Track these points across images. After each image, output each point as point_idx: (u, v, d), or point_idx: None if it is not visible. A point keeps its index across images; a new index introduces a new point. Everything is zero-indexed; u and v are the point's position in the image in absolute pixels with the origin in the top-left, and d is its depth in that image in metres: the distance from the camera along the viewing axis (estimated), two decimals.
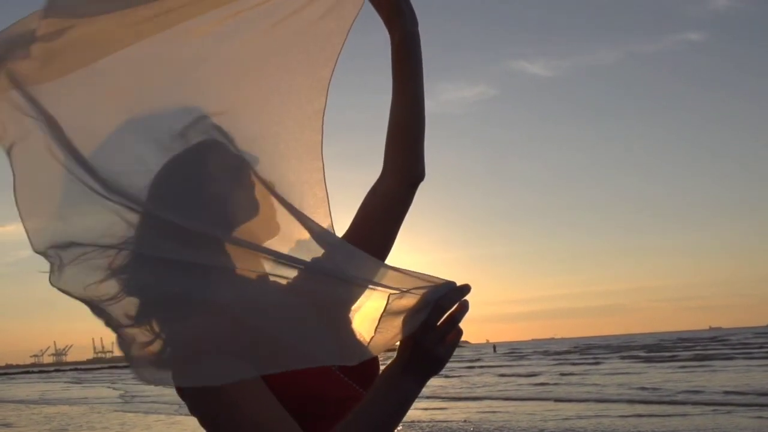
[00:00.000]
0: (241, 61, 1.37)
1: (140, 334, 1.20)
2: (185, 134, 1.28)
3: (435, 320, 1.12)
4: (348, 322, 1.18)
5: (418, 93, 1.54)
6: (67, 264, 1.20)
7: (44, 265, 1.22)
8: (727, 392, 18.84)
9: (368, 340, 1.15)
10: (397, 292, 1.10)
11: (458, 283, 1.13)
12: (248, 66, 1.37)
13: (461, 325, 1.15)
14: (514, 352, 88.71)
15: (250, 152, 1.31)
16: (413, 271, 1.11)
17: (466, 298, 1.12)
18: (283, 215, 1.26)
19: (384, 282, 1.11)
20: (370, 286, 1.13)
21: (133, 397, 30.95)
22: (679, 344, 70.45)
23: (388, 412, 1.18)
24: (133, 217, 1.20)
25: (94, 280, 1.21)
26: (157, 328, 1.20)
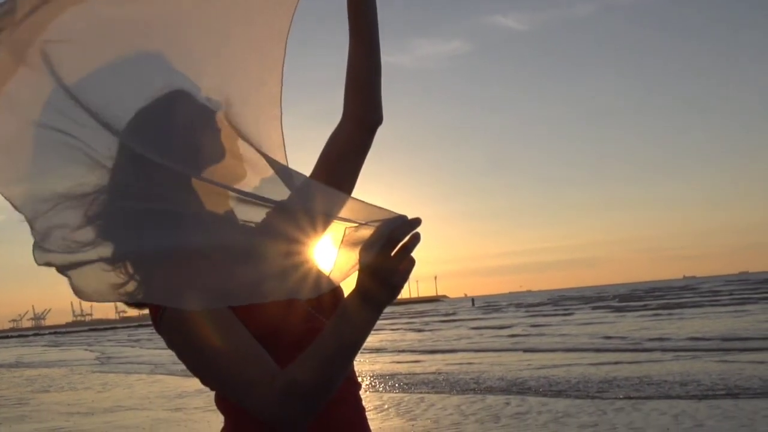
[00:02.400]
0: (202, 11, 1.39)
1: (115, 276, 1.27)
2: (151, 83, 1.33)
3: (389, 251, 1.17)
4: (309, 257, 1.24)
5: (374, 41, 1.61)
6: (43, 215, 1.26)
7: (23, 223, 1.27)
8: (693, 339, 19.28)
9: (327, 272, 1.23)
10: (354, 225, 1.17)
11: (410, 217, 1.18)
12: (210, 15, 1.40)
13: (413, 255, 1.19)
14: (491, 305, 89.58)
15: (214, 97, 1.36)
16: (371, 204, 1.17)
17: (417, 230, 1.18)
18: (248, 160, 1.33)
19: (343, 214, 1.18)
20: (331, 220, 1.19)
21: (109, 358, 31.12)
22: (650, 294, 71.48)
23: (349, 339, 1.25)
24: (106, 166, 1.27)
25: (72, 227, 1.27)
26: (131, 270, 1.26)
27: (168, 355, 29.34)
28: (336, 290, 1.46)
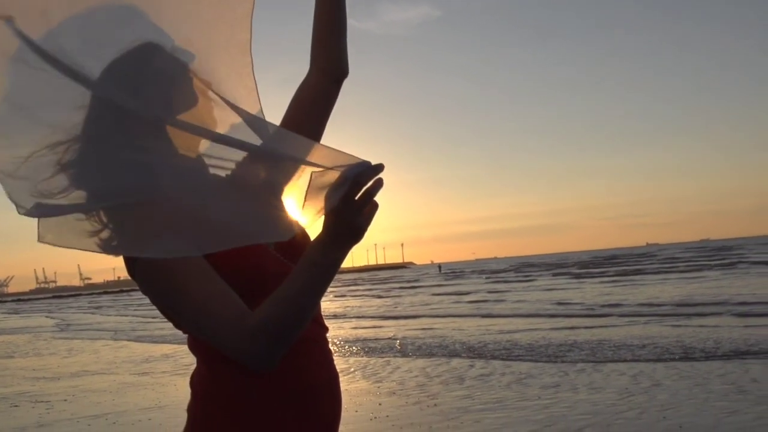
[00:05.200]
0: None
1: (89, 224, 1.29)
2: (123, 34, 1.34)
3: (353, 194, 1.22)
4: (279, 202, 1.30)
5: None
6: (21, 166, 1.27)
7: None
8: (650, 304, 19.66)
9: (295, 216, 1.28)
10: (320, 170, 1.22)
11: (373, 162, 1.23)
12: None
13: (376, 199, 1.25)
14: (455, 271, 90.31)
15: (187, 48, 1.38)
16: (336, 150, 1.22)
17: (381, 175, 1.23)
18: (219, 109, 1.36)
19: (310, 159, 1.23)
20: (299, 166, 1.24)
21: (69, 325, 31.06)
22: (610, 261, 72.46)
23: (316, 280, 1.31)
24: (80, 115, 1.28)
25: (46, 176, 1.28)
26: (105, 218, 1.29)
27: (128, 322, 29.44)
28: (303, 235, 1.52)
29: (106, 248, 1.31)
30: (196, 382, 1.54)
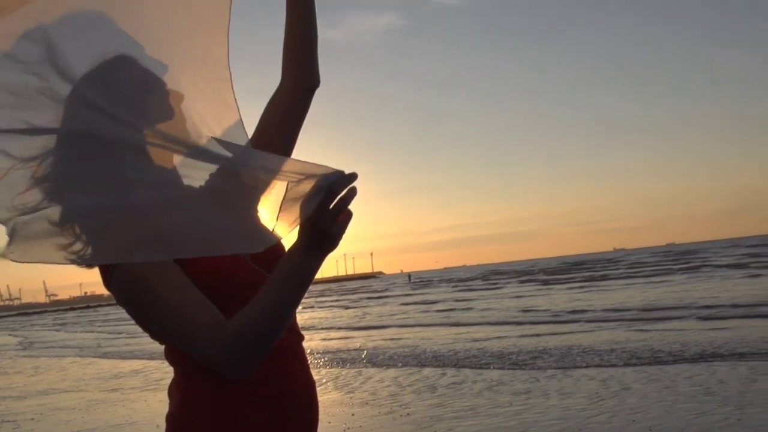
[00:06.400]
0: None
1: (62, 237, 1.29)
2: (95, 46, 1.32)
3: (328, 203, 1.24)
4: (254, 214, 1.32)
5: (311, 11, 1.70)
6: None
7: None
8: (617, 309, 19.94)
9: (271, 227, 1.29)
10: (294, 180, 1.23)
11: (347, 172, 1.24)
12: None
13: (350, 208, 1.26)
14: (423, 280, 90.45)
15: (160, 60, 1.37)
16: (309, 162, 1.23)
17: (354, 184, 1.25)
18: (191, 124, 1.34)
19: (283, 171, 1.24)
20: (273, 177, 1.26)
21: (32, 343, 30.52)
22: (577, 267, 73.14)
23: (292, 288, 1.32)
24: (54, 129, 1.27)
25: (20, 191, 1.28)
26: (78, 231, 1.29)
27: (94, 339, 28.97)
28: (278, 245, 1.52)
29: (78, 260, 1.30)
30: (173, 391, 1.54)
